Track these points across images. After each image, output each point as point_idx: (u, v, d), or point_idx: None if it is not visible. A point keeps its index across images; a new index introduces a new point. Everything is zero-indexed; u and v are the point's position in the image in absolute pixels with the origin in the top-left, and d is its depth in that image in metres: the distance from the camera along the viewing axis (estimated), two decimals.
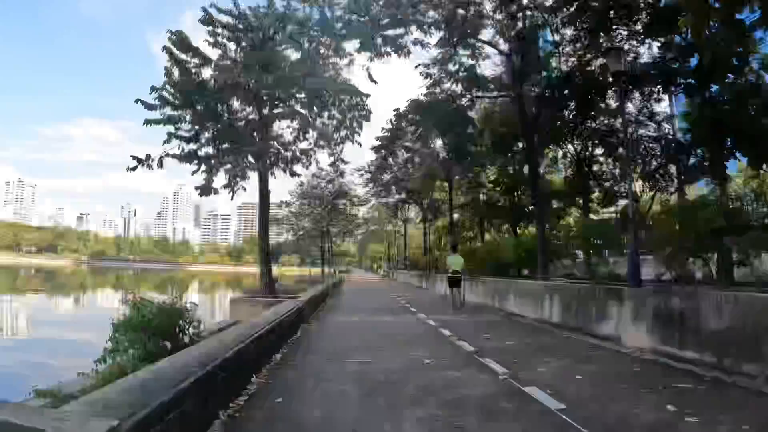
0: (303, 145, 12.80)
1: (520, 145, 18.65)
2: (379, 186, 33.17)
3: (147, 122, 11.30)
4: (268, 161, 10.99)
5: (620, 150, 20.80)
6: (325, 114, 12.32)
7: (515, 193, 24.97)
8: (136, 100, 11.17)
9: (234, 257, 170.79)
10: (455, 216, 36.16)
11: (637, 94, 18.39)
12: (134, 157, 11.38)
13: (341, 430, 3.50)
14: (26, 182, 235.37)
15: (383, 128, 14.38)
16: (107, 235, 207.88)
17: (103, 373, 5.32)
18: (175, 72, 11.37)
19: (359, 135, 12.21)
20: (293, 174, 12.52)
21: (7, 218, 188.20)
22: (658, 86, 17.18)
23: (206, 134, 12.07)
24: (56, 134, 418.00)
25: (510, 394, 4.37)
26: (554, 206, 24.52)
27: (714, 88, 14.73)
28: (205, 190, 10.78)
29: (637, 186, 24.05)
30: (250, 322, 6.25)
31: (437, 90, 13.87)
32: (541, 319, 10.58)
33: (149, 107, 11.19)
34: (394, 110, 14.39)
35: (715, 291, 6.31)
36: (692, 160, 17.28)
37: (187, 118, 11.80)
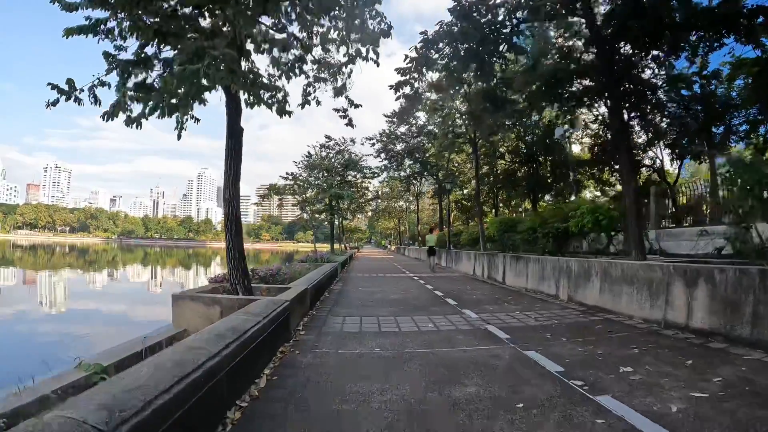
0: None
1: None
2: (390, 156, 28.61)
3: (67, 32, 6.71)
4: (242, 81, 6.43)
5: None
6: (326, 19, 7.67)
7: (533, 164, 22.12)
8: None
9: (252, 235, 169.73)
10: (468, 190, 31.70)
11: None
12: (53, 86, 6.83)
13: None
14: (63, 167, 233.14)
15: (406, 56, 9.75)
16: (136, 215, 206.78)
17: None
18: None
19: (375, 53, 7.55)
20: (282, 112, 8.02)
21: (44, 200, 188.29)
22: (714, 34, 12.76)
23: (154, 50, 7.47)
24: (92, 124, 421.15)
25: None
26: (571, 179, 21.10)
27: None
28: (122, 116, 6.33)
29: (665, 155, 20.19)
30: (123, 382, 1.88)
31: None
32: (667, 321, 6.11)
33: (68, 8, 6.62)
34: (421, 33, 9.71)
35: None
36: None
37: (125, 24, 7.16)
